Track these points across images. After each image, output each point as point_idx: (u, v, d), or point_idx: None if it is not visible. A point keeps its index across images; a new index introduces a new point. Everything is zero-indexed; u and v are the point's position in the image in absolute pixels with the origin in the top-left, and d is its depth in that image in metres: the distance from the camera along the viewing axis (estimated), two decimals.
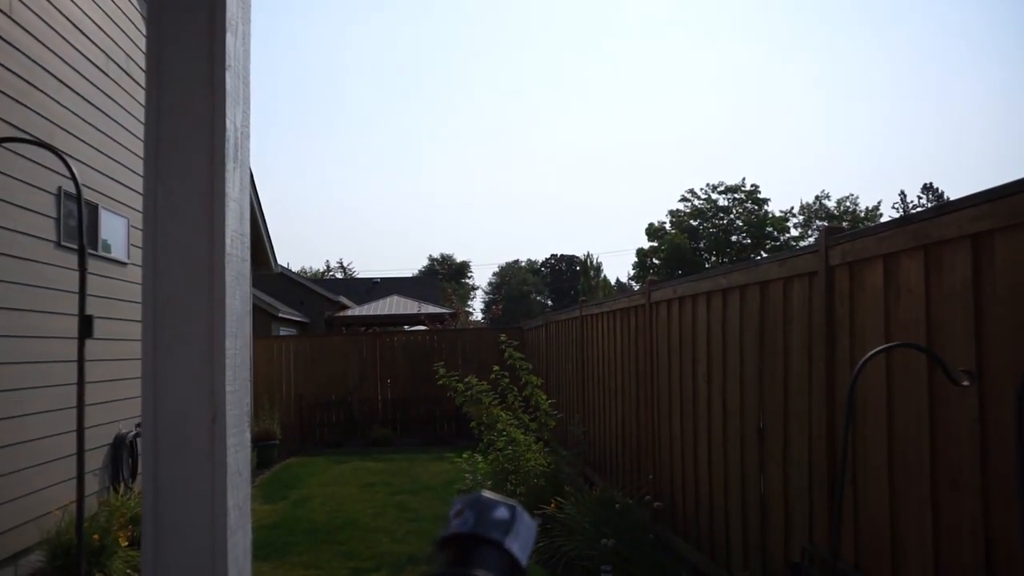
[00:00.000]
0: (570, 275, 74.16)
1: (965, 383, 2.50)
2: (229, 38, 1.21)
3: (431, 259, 72.99)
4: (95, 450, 6.65)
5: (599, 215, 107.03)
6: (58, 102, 6.15)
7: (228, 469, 1.13)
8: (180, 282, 1.16)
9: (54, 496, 5.74)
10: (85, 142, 6.60)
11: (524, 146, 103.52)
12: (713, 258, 53.06)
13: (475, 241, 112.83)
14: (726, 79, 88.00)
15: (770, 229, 53.20)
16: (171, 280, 1.16)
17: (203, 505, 1.11)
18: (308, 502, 8.51)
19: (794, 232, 54.46)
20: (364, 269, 72.93)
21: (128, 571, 5.49)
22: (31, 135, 5.52)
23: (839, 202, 55.86)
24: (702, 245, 54.48)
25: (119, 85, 7.37)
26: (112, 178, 7.18)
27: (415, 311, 20.93)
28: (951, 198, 3.77)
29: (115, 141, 7.25)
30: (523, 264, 78.45)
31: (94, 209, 6.78)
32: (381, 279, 38.17)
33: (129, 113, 7.54)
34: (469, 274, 73.16)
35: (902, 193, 57.99)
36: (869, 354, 2.66)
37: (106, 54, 7.10)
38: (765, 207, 53.80)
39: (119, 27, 7.42)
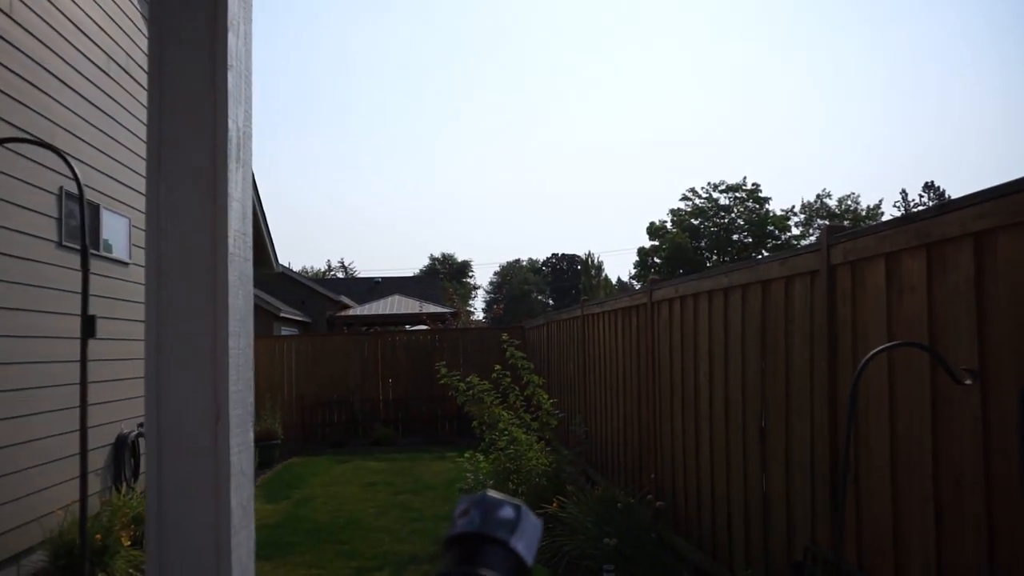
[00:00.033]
0: (571, 274, 74.20)
1: (968, 382, 2.49)
2: (231, 38, 1.21)
3: (432, 258, 73.06)
4: (97, 450, 6.66)
5: (600, 214, 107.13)
6: (59, 102, 6.15)
7: (232, 469, 1.13)
8: (183, 282, 1.15)
9: (56, 496, 5.75)
10: (86, 142, 6.61)
11: (525, 145, 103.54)
12: (714, 257, 53.01)
13: (476, 240, 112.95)
14: (727, 78, 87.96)
15: (771, 228, 53.13)
16: (174, 280, 1.16)
17: (207, 505, 1.11)
18: (310, 502, 8.52)
19: (795, 231, 54.42)
20: (365, 269, 72.94)
21: (130, 571, 5.49)
22: (33, 135, 5.52)
23: (840, 201, 55.81)
24: (703, 244, 54.43)
25: (120, 85, 7.37)
26: (113, 178, 7.19)
27: (417, 311, 20.93)
28: (952, 197, 3.77)
29: (116, 141, 7.26)
30: (524, 263, 78.47)
31: (95, 209, 6.79)
32: (382, 279, 38.17)
33: (130, 113, 7.54)
34: (470, 273, 73.20)
35: (903, 192, 57.95)
36: (871, 353, 2.65)
37: (107, 54, 7.11)
38: (766, 206, 53.74)
39: (120, 27, 7.42)
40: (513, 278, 73.69)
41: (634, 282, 56.50)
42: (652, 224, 55.05)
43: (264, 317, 16.92)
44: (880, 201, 56.36)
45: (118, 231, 7.38)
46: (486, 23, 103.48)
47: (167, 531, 1.11)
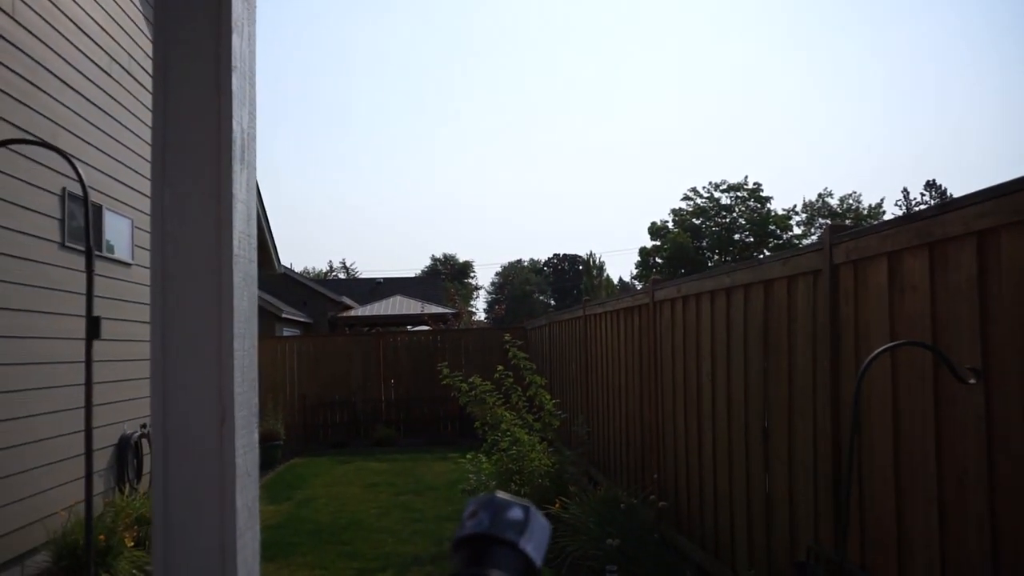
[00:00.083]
0: (573, 274, 74.19)
1: (971, 381, 2.49)
2: (235, 39, 1.21)
3: (434, 259, 73.03)
4: (100, 451, 6.66)
5: (601, 214, 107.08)
6: (61, 103, 6.16)
7: (237, 470, 1.13)
8: (188, 284, 1.16)
9: (60, 497, 5.76)
10: (88, 143, 6.62)
11: (526, 146, 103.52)
12: (716, 257, 52.99)
13: (478, 241, 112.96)
14: (728, 78, 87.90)
15: (773, 227, 53.11)
16: (179, 282, 1.16)
17: (213, 506, 1.11)
18: (312, 502, 8.52)
19: (797, 230, 54.42)
20: (367, 269, 72.87)
21: (134, 571, 5.50)
22: (35, 136, 5.53)
23: (842, 200, 55.77)
24: (705, 244, 54.42)
25: (122, 86, 7.38)
26: (115, 179, 7.19)
27: (418, 311, 20.96)
28: (954, 195, 3.76)
29: (118, 142, 7.26)
30: (526, 264, 78.45)
31: (98, 210, 6.80)
32: (384, 279, 38.18)
33: (132, 114, 7.55)
34: (472, 274, 73.18)
35: (905, 190, 57.98)
36: (874, 352, 2.65)
37: (109, 55, 7.11)
38: (768, 205, 53.72)
39: (122, 28, 7.42)
40: (515, 278, 73.66)
41: (636, 282, 56.49)
42: (653, 224, 55.07)
43: (266, 318, 16.93)
44: (882, 200, 56.34)
45: (120, 232, 7.39)
46: (486, 23, 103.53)
47: (173, 532, 1.11)
